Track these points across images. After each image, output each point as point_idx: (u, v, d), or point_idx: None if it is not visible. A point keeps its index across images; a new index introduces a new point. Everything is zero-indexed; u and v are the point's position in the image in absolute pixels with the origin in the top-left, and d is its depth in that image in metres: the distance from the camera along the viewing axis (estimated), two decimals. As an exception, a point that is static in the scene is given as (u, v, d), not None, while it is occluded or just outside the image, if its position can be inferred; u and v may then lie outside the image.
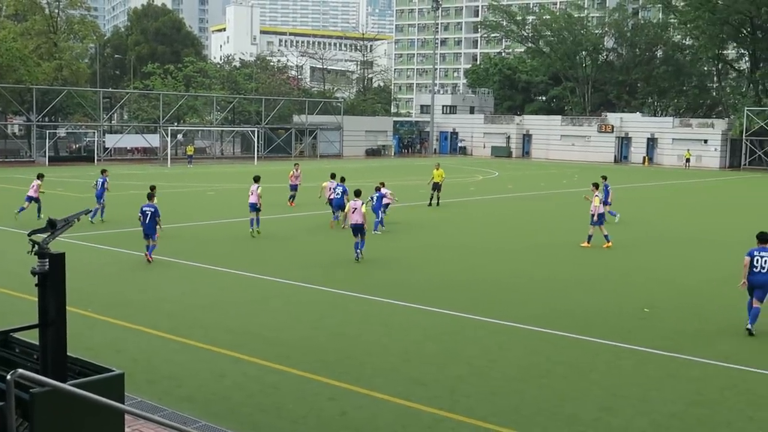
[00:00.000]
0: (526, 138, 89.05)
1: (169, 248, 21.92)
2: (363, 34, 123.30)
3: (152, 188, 22.39)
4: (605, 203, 30.59)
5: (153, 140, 68.95)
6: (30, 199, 27.29)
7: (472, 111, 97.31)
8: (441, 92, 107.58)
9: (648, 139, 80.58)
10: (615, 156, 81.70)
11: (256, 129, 71.27)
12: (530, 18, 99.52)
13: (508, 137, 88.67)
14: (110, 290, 17.15)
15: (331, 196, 28.01)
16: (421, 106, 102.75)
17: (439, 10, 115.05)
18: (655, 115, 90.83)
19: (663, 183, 54.00)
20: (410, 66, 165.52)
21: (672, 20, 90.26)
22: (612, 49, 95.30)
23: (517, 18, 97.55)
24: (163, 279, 18.50)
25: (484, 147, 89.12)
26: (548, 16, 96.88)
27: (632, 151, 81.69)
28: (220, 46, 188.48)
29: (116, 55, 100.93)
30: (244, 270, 19.29)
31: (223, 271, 19.31)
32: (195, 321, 14.58)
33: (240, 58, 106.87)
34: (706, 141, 76.50)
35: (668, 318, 15.54)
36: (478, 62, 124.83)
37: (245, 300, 16.39)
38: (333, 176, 29.33)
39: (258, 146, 70.71)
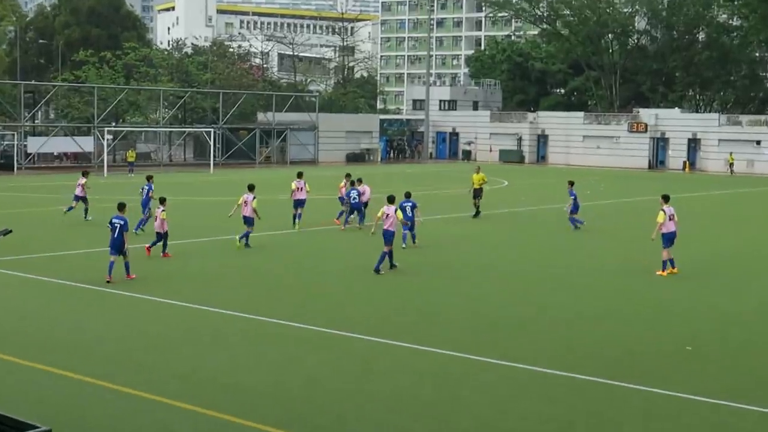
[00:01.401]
0: (542, 139, 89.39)
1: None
2: (342, 13, 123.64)
3: (162, 200, 25.34)
4: (572, 211, 32.63)
5: (86, 144, 68.76)
6: (78, 198, 31.87)
7: (475, 107, 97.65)
8: (438, 84, 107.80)
9: (689, 140, 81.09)
10: (649, 160, 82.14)
11: (212, 130, 71.19)
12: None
13: (520, 138, 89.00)
14: (34, 328, 17.07)
15: (299, 197, 30.93)
16: (414, 101, 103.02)
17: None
18: (697, 111, 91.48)
19: (707, 193, 54.32)
20: (400, 52, 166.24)
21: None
22: (644, 32, 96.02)
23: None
24: (98, 314, 18.43)
25: (491, 150, 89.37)
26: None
27: (670, 155, 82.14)
28: (168, 28, 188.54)
29: (41, 41, 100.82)
30: (199, 303, 19.24)
31: (173, 303, 19.25)
32: (138, 365, 14.54)
33: (192, 44, 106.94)
34: (758, 142, 77.05)
35: (714, 357, 15.60)
36: (483, 48, 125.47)
37: (199, 339, 16.35)
38: (300, 175, 31.60)
39: (215, 150, 70.62)
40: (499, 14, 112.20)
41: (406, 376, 14.09)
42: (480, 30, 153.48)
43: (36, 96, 77.51)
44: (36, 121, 75.27)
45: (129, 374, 13.92)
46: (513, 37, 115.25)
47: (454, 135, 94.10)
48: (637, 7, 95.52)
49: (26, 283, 21.56)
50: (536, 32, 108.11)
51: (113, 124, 71.68)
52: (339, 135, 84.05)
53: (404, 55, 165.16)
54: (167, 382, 13.52)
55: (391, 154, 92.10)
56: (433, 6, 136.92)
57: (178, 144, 79.54)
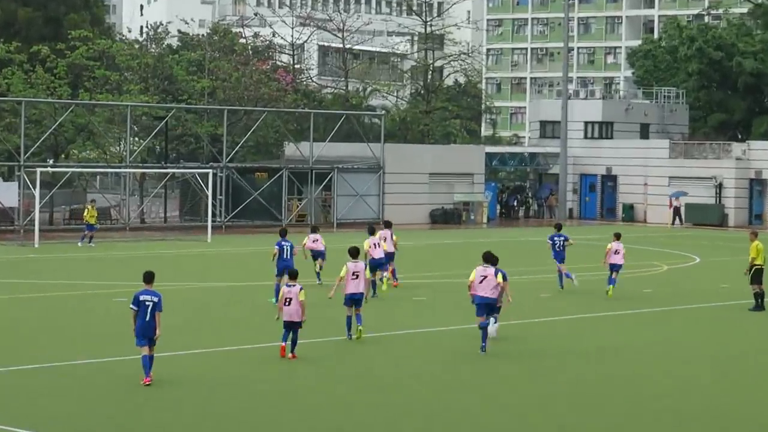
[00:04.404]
0: (757, 186, 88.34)
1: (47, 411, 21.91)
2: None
3: (292, 275, 28.33)
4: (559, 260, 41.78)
5: (7, 194, 69.27)
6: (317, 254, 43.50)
7: (644, 133, 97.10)
8: (582, 96, 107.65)
9: None
10: None
11: (210, 171, 71.23)
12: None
13: (720, 184, 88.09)
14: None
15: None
16: (542, 125, 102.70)
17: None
18: None
19: None
20: (518, 44, 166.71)
21: None
22: None
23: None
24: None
25: (671, 205, 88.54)
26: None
27: None
28: (141, 7, 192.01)
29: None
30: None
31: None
32: None
33: (180, 32, 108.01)
34: None
35: None
36: (657, 36, 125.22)
37: None
38: (388, 225, 41.75)
39: (216, 204, 70.65)
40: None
41: None
42: (651, 7, 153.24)
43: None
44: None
45: None
46: (707, 18, 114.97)
47: (610, 179, 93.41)
48: None
49: None
50: (745, 10, 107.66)
51: (51, 161, 72.17)
52: (419, 180, 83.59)
53: (525, 49, 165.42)
54: None
55: (504, 210, 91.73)
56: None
57: (155, 194, 79.74)
